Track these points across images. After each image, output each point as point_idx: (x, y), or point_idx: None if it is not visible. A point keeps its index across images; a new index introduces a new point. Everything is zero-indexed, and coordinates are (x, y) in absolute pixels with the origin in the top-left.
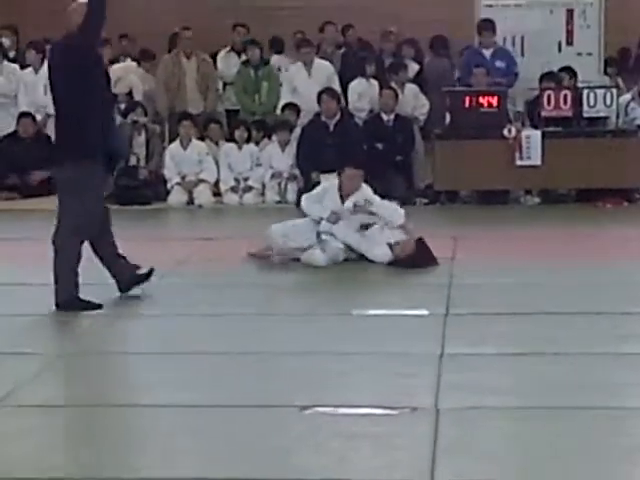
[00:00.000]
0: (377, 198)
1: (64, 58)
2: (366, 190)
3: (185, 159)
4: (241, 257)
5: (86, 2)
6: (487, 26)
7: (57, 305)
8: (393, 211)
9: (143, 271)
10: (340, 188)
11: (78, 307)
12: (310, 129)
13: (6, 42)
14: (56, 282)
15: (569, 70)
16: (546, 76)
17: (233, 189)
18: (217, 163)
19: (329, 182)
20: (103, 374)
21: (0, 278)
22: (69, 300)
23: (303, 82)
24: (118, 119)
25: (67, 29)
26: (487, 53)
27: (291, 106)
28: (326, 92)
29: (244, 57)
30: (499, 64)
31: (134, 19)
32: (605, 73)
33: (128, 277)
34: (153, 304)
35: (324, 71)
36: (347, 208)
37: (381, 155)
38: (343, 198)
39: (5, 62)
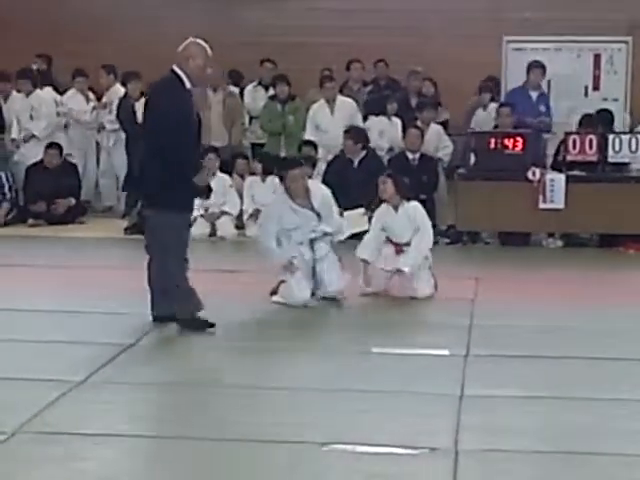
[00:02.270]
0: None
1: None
2: (319, 191)
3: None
4: (263, 291)
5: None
6: (537, 67)
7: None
8: (339, 226)
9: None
10: (290, 196)
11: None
12: (335, 165)
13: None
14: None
15: (608, 112)
16: (586, 118)
17: (253, 216)
18: (241, 196)
19: (274, 201)
20: (112, 405)
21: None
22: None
23: (326, 119)
24: None
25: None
26: (534, 94)
27: (309, 143)
28: (346, 131)
29: (271, 92)
30: (542, 108)
31: (165, 51)
32: None
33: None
34: (173, 334)
35: (347, 108)
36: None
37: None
38: (298, 205)
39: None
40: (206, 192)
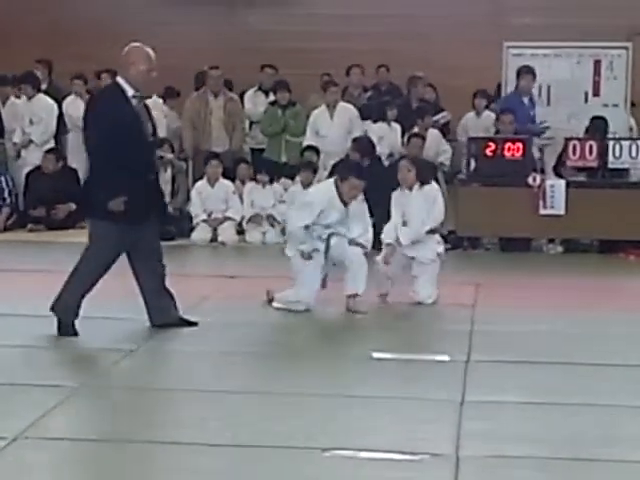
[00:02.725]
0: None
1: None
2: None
3: (212, 196)
4: (262, 297)
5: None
6: (528, 72)
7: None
8: (364, 231)
9: (186, 317)
10: (340, 197)
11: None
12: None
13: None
14: None
15: (602, 120)
16: (595, 120)
17: (252, 220)
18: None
19: (322, 190)
20: (119, 410)
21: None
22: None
23: (325, 124)
24: None
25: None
26: (525, 100)
27: (311, 149)
28: (354, 141)
29: (272, 97)
30: (532, 113)
31: (161, 56)
32: None
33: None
34: (174, 340)
35: (347, 114)
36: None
37: None
38: (345, 205)
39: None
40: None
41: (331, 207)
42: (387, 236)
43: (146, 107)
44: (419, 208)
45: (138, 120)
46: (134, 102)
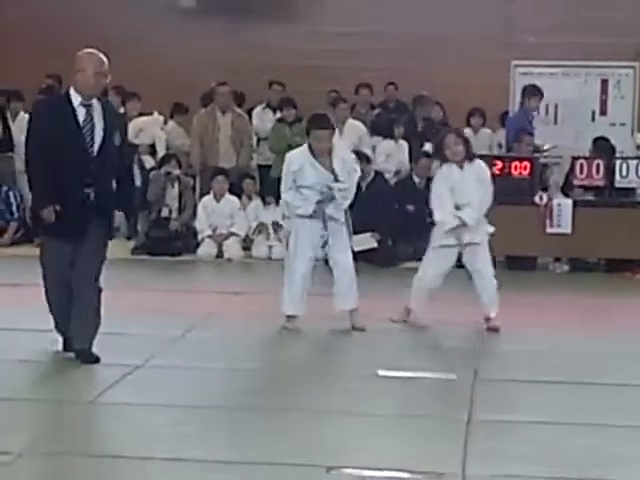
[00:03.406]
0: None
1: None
2: (341, 152)
3: (217, 212)
4: (269, 313)
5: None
6: (537, 92)
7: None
8: (349, 191)
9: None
10: (312, 154)
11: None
12: None
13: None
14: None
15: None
16: (598, 141)
17: (259, 229)
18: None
19: (295, 152)
20: (119, 425)
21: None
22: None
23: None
24: (136, 169)
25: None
26: (530, 118)
27: None
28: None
29: (279, 114)
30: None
31: (170, 72)
32: None
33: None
34: (179, 356)
35: (355, 131)
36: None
37: (412, 217)
38: (324, 164)
39: None
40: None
41: (307, 166)
42: (449, 220)
43: (115, 115)
44: (473, 186)
45: (77, 132)
46: (81, 111)
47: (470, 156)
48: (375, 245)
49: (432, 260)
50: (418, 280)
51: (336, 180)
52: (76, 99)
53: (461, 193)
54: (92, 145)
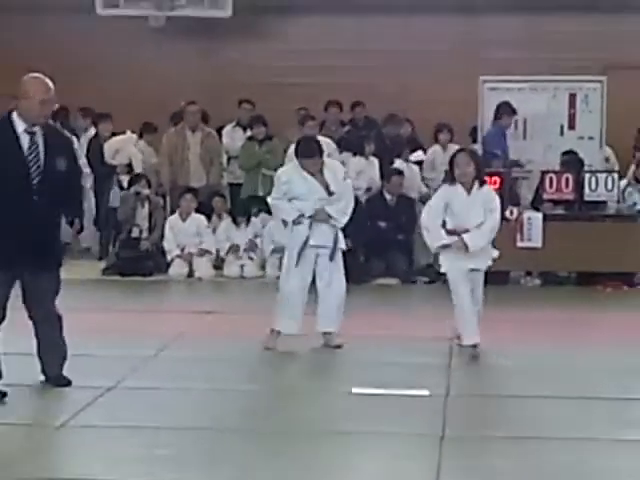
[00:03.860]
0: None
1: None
2: (332, 166)
3: (184, 231)
4: (240, 331)
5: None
6: (508, 109)
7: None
8: (346, 204)
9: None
10: (303, 169)
11: None
12: None
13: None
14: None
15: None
16: (565, 155)
17: (231, 250)
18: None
19: (282, 171)
20: (91, 448)
21: None
22: None
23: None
24: (117, 190)
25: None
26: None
27: None
28: None
29: (249, 132)
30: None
31: (138, 91)
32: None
33: None
34: (151, 377)
35: (325, 148)
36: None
37: (383, 234)
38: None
39: None
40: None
41: (297, 177)
42: (437, 238)
43: (60, 139)
44: (479, 212)
45: (21, 160)
46: (25, 138)
47: (481, 179)
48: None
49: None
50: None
51: (328, 191)
52: (20, 125)
53: (464, 218)
54: (37, 173)
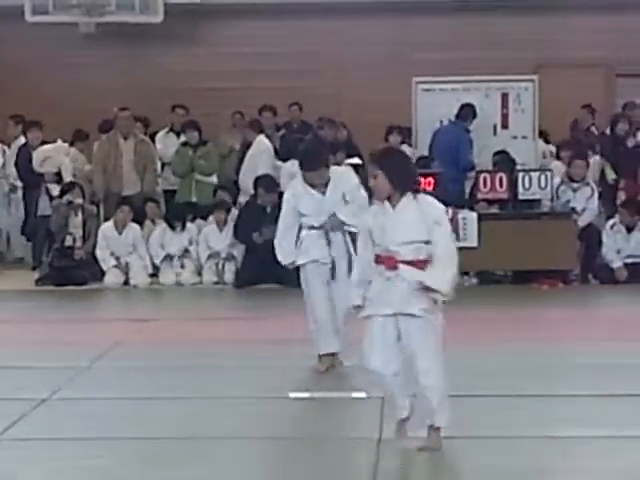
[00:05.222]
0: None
1: None
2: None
3: (119, 242)
4: (177, 339)
5: None
6: (472, 111)
7: None
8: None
9: None
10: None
11: None
12: (247, 212)
13: None
14: None
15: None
16: (497, 154)
17: (168, 258)
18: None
19: (290, 185)
20: (27, 463)
21: None
22: None
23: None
24: (46, 198)
25: None
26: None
27: (223, 188)
28: (257, 180)
29: (183, 138)
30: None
31: (69, 97)
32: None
33: None
34: (85, 387)
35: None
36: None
37: None
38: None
39: None
40: None
41: (302, 193)
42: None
43: None
44: (409, 228)
45: None
46: None
47: (408, 189)
48: None
49: None
50: None
51: (344, 200)
52: None
53: (391, 239)
54: None
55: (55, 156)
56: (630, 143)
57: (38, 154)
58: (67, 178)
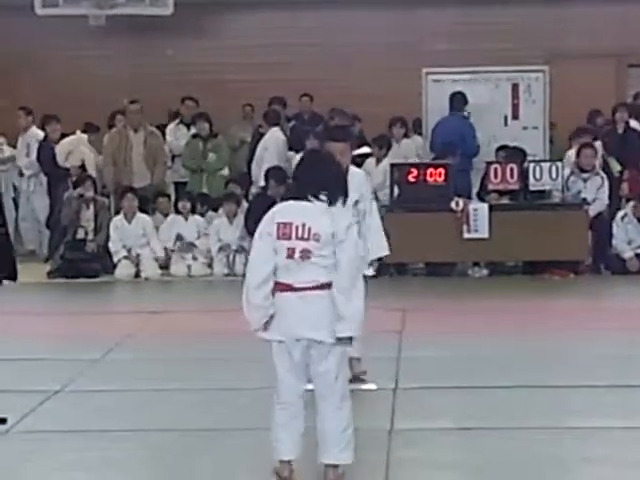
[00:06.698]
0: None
1: None
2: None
3: (129, 233)
4: (188, 331)
5: None
6: (464, 99)
7: None
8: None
9: None
10: None
11: None
12: (257, 204)
13: None
14: None
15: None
16: (500, 150)
17: (180, 248)
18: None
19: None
20: (39, 455)
21: None
22: None
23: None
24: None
25: None
26: None
27: (234, 181)
28: (267, 172)
29: (193, 130)
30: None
31: (80, 88)
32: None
33: None
34: (97, 379)
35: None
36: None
37: None
38: None
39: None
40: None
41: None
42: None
43: None
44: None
45: None
46: None
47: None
48: None
49: None
50: None
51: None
52: None
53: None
54: None
55: (77, 149)
56: (620, 129)
57: (61, 148)
58: (91, 170)
